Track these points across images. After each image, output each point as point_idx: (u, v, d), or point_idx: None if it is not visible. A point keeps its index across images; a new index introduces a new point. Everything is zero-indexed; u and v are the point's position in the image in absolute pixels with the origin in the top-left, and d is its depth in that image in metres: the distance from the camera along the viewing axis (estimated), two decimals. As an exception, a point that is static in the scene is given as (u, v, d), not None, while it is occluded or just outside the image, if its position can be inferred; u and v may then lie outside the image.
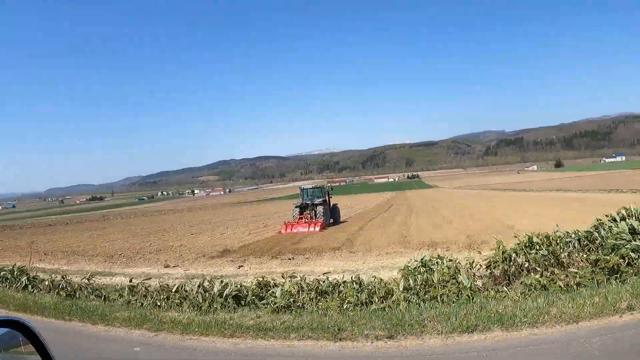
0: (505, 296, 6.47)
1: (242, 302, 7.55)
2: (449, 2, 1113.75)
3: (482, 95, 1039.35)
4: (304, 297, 7.32)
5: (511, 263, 7.16)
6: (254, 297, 7.61)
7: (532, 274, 6.87)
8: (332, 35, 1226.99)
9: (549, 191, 61.89)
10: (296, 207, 30.72)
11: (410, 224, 29.91)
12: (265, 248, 21.55)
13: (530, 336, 5.22)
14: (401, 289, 6.97)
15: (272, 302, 7.20)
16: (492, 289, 6.79)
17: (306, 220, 29.10)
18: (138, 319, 7.11)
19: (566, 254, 7.19)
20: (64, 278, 10.77)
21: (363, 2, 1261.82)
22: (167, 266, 17.61)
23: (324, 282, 7.78)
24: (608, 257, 6.70)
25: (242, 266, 16.59)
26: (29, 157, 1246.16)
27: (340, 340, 5.63)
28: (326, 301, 7.11)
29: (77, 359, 5.87)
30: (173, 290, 7.81)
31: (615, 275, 6.53)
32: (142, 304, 7.98)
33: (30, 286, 10.61)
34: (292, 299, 7.27)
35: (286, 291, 7.38)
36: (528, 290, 6.52)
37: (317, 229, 27.60)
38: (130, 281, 9.31)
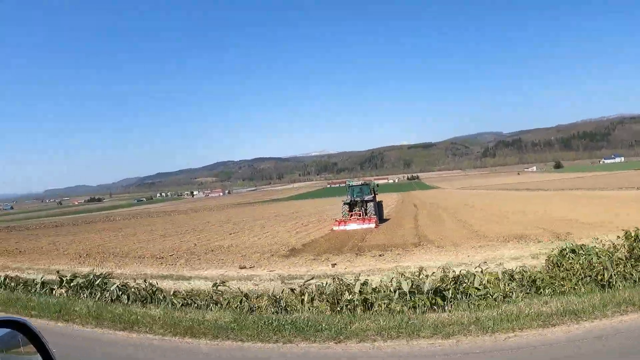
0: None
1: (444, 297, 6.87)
2: (448, 2, 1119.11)
3: (480, 96, 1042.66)
4: (504, 286, 7.13)
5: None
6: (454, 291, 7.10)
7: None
8: (330, 37, 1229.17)
9: (570, 190, 61.01)
10: (345, 204, 30.00)
11: (462, 219, 28.96)
12: (333, 246, 20.53)
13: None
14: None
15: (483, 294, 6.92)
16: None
17: (357, 217, 28.18)
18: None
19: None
20: (152, 286, 9.11)
21: (362, 3, 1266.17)
22: (242, 267, 16.14)
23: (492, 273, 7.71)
24: None
25: (335, 264, 15.29)
26: (26, 159, 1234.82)
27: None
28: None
29: None
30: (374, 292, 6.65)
31: None
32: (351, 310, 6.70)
33: (124, 296, 8.80)
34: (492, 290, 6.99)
35: (486, 281, 7.29)
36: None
37: (373, 225, 27.08)
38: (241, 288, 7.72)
